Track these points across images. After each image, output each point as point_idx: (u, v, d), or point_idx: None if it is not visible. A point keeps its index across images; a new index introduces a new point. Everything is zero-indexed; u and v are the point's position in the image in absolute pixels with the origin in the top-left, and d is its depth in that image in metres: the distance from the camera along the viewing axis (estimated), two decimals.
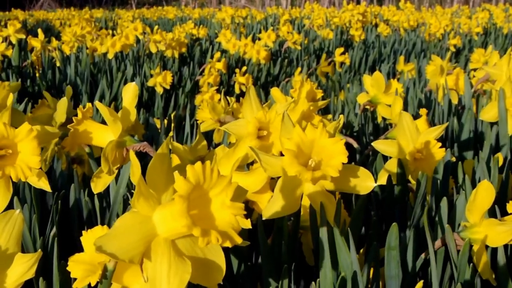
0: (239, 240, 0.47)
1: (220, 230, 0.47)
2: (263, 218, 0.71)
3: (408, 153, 0.97)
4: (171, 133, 1.32)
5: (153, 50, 3.23)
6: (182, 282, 0.46)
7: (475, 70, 2.29)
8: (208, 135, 1.53)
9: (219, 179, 0.48)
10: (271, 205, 0.71)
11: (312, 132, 0.72)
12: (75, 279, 0.60)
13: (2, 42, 2.82)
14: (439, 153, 0.97)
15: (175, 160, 0.93)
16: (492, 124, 1.33)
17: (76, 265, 0.56)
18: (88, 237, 0.58)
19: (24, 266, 0.51)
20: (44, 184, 0.79)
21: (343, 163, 0.69)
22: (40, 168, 0.75)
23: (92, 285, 0.52)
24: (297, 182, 0.72)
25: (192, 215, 0.45)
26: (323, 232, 0.74)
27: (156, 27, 3.49)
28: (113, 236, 0.46)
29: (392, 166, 0.99)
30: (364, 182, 0.75)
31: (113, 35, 3.54)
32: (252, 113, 0.88)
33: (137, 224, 0.47)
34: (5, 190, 0.75)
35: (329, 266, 0.74)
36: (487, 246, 0.78)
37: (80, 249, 1.04)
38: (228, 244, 0.46)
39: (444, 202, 0.89)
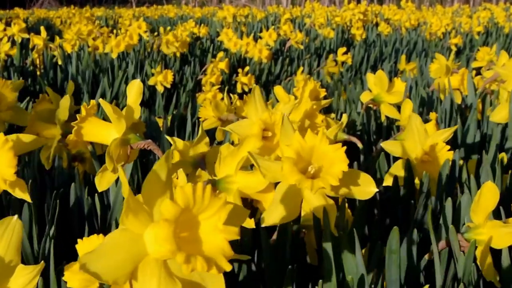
0: (228, 268, 0.43)
1: (207, 255, 0.43)
2: (262, 225, 0.70)
3: (416, 155, 0.96)
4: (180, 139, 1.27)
5: (166, 51, 3.21)
6: None
7: (478, 68, 2.28)
8: (210, 133, 1.53)
9: (213, 201, 0.45)
10: (270, 213, 0.70)
11: (312, 138, 0.71)
12: None
13: (7, 41, 2.81)
14: (448, 155, 0.96)
15: (176, 157, 0.92)
16: (497, 124, 1.32)
17: (73, 275, 0.54)
18: (84, 246, 0.55)
19: (25, 278, 0.49)
20: (24, 195, 0.76)
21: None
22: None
23: None
24: (297, 190, 0.71)
25: (181, 238, 0.42)
26: (327, 236, 0.73)
27: (168, 28, 3.48)
28: (101, 253, 0.43)
29: (399, 167, 0.98)
30: (366, 188, 0.74)
31: (112, 32, 3.52)
32: (257, 113, 0.87)
33: (126, 242, 0.44)
34: None
35: (334, 269, 0.74)
36: (491, 248, 0.77)
37: None
38: (214, 271, 0.42)
39: (448, 203, 0.88)
